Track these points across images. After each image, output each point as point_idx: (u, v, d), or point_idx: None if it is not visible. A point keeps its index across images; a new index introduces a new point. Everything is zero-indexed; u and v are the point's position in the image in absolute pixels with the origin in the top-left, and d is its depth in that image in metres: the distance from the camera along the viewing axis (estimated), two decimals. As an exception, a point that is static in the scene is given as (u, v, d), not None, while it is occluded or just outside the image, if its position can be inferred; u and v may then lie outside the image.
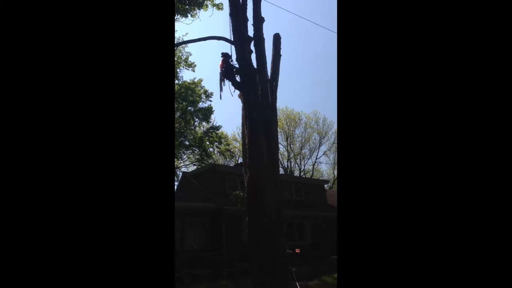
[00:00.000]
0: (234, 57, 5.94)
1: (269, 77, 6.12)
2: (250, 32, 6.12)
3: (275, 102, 6.10)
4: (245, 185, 5.24)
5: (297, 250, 9.90)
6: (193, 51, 33.01)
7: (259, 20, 6.22)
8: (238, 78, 5.93)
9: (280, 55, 6.52)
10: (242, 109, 5.72)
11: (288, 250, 6.69)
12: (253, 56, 5.97)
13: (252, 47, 6.02)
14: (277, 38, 6.64)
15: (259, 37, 6.09)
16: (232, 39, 6.01)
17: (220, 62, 6.08)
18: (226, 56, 6.07)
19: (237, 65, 5.87)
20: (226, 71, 5.99)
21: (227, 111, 35.36)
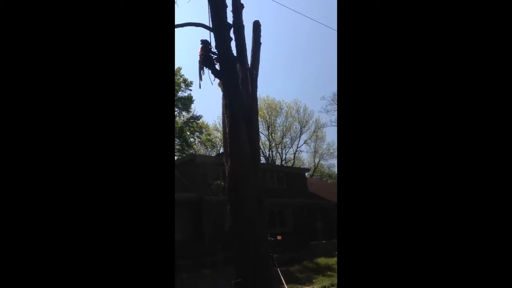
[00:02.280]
0: (213, 44, 5.82)
1: (249, 66, 6.05)
2: (230, 19, 6.01)
3: (256, 91, 6.05)
4: (226, 175, 5.22)
5: (279, 237, 10.04)
6: (172, 39, 32.01)
7: (238, 7, 6.09)
8: (217, 66, 5.83)
9: (260, 43, 6.44)
10: (222, 98, 5.65)
11: (269, 237, 6.77)
12: (233, 44, 5.88)
13: (232, 35, 5.91)
14: (256, 26, 6.55)
15: (238, 24, 5.98)
16: (210, 26, 5.87)
17: (200, 50, 5.94)
18: (205, 43, 5.92)
19: (217, 53, 5.76)
20: (206, 59, 5.86)
21: (208, 100, 34.87)
